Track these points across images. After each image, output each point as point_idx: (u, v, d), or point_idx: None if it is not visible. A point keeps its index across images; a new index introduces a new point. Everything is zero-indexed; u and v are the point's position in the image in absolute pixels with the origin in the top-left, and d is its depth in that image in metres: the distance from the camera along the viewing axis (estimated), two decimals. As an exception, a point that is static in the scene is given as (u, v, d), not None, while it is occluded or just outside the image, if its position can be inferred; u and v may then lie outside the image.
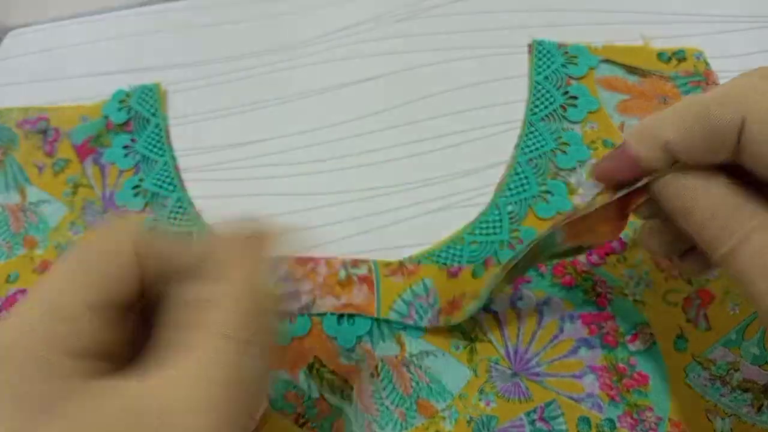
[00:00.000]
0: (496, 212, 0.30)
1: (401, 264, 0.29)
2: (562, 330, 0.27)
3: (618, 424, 0.25)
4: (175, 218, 0.32)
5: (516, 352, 0.27)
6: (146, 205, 0.32)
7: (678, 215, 0.19)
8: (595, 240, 0.23)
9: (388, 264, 0.29)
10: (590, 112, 0.32)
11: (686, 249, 0.22)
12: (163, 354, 0.16)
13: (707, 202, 0.18)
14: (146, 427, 0.14)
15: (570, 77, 0.33)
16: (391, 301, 0.28)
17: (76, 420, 0.14)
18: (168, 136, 0.35)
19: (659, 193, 0.19)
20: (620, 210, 0.21)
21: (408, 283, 0.28)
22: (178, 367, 0.15)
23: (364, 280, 0.28)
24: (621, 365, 0.26)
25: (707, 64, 0.33)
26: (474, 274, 0.27)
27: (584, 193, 0.29)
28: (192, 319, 0.16)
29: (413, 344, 0.27)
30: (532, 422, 0.25)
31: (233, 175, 0.34)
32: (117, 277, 0.17)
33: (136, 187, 0.33)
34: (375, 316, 0.27)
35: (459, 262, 0.29)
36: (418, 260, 0.29)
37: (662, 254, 0.22)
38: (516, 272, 0.25)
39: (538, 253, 0.24)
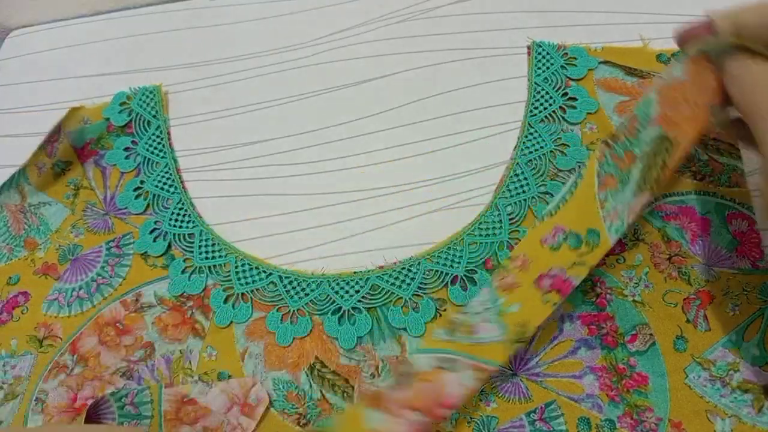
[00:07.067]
0: (496, 213, 0.30)
1: None
2: (561, 330, 0.27)
3: (618, 425, 0.25)
4: (177, 219, 0.32)
5: (516, 353, 0.27)
6: (148, 206, 0.32)
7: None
8: (680, 137, 0.24)
9: None
10: (589, 114, 0.32)
11: None
12: None
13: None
14: None
15: (569, 79, 0.33)
16: None
17: None
18: (169, 138, 0.35)
19: (731, 78, 0.22)
20: (705, 96, 0.23)
21: None
22: None
23: None
24: (621, 366, 0.26)
25: (706, 65, 0.33)
26: None
27: None
28: None
29: (413, 344, 0.27)
30: (532, 422, 0.25)
31: (234, 175, 0.34)
32: None
33: (138, 188, 0.33)
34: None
35: (458, 263, 0.29)
36: None
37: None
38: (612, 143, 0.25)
39: (635, 142, 0.25)
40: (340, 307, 0.28)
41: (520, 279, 0.25)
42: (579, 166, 0.25)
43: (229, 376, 0.28)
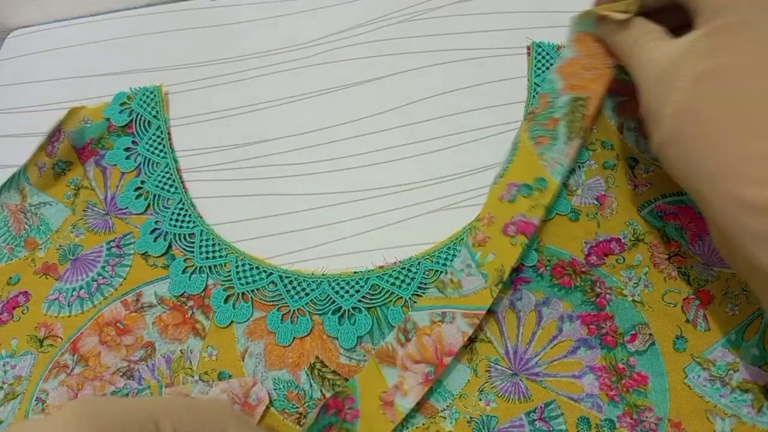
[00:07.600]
0: (496, 213, 0.30)
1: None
2: (561, 330, 0.27)
3: (617, 425, 0.25)
4: (177, 219, 0.32)
5: (516, 353, 0.27)
6: (148, 206, 0.32)
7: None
8: (590, 92, 0.29)
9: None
10: (589, 114, 0.32)
11: None
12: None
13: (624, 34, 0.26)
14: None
15: (569, 79, 0.33)
16: None
17: None
18: (170, 138, 0.35)
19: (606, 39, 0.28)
20: (601, 61, 0.29)
21: None
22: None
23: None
24: (620, 365, 0.26)
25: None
26: None
27: (582, 194, 0.29)
28: None
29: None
30: (532, 422, 0.26)
31: (234, 175, 0.34)
32: None
33: (138, 188, 0.33)
34: None
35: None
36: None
37: None
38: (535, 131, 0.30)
39: (552, 110, 0.30)
40: (340, 307, 0.28)
41: (489, 233, 0.28)
42: (515, 140, 0.30)
43: (230, 376, 0.28)
